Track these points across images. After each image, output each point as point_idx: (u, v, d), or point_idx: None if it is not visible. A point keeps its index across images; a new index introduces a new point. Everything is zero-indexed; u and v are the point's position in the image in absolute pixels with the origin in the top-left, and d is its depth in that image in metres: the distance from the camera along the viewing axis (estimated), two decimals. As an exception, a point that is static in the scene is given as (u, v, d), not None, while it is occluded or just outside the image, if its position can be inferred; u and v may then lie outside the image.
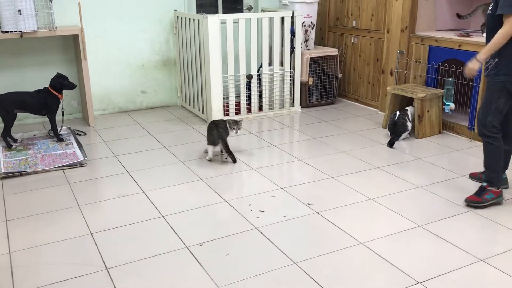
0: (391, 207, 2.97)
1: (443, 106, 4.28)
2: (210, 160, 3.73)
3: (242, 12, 5.58)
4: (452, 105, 4.21)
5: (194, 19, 4.64)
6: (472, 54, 3.78)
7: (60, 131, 4.17)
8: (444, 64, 4.33)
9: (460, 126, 4.31)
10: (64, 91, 4.14)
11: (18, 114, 4.02)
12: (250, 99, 4.90)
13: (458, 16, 4.54)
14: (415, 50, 4.62)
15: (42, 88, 4.07)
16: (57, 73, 4.11)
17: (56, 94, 4.03)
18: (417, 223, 2.77)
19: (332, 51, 5.30)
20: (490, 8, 2.83)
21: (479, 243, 2.56)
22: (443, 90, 4.28)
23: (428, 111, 4.27)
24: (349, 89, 5.57)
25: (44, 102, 4.01)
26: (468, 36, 4.27)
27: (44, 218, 2.87)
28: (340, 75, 5.41)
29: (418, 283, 2.23)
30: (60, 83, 4.03)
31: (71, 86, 4.11)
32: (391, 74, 4.89)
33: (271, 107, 5.05)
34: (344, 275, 2.30)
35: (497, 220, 2.81)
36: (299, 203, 3.03)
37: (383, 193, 3.16)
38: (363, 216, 2.87)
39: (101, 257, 2.45)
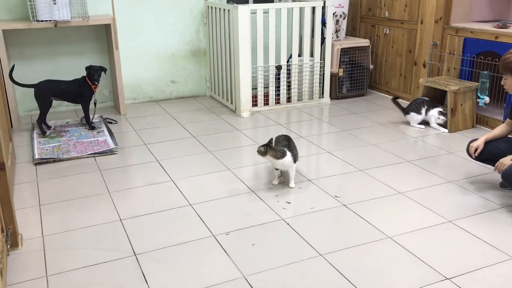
0: (420, 202, 2.92)
1: (477, 100, 4.17)
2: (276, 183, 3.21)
3: (273, 2, 5.54)
4: (487, 99, 4.09)
5: (224, 9, 4.64)
6: (510, 46, 3.63)
7: (92, 119, 4.26)
8: (480, 57, 4.21)
9: (495, 120, 4.19)
10: (100, 81, 4.16)
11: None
12: (279, 90, 4.88)
13: None
14: (449, 41, 4.51)
15: (79, 77, 4.16)
16: (91, 65, 4.14)
17: (90, 84, 4.10)
18: (447, 218, 2.71)
19: (364, 42, 5.22)
20: None
21: (511, 240, 2.50)
22: (477, 83, 4.17)
23: (461, 104, 4.17)
24: (381, 81, 5.48)
25: (79, 90, 4.10)
26: (505, 27, 4.13)
27: (76, 203, 2.94)
28: (371, 67, 5.33)
29: (447, 279, 2.19)
30: (88, 73, 4.08)
31: (93, 76, 4.05)
32: (424, 66, 4.78)
33: (300, 98, 5.02)
34: (370, 268, 2.28)
35: (531, 217, 2.73)
36: (327, 195, 3.02)
37: (412, 187, 3.11)
38: (392, 210, 2.84)
39: (130, 243, 2.50)
